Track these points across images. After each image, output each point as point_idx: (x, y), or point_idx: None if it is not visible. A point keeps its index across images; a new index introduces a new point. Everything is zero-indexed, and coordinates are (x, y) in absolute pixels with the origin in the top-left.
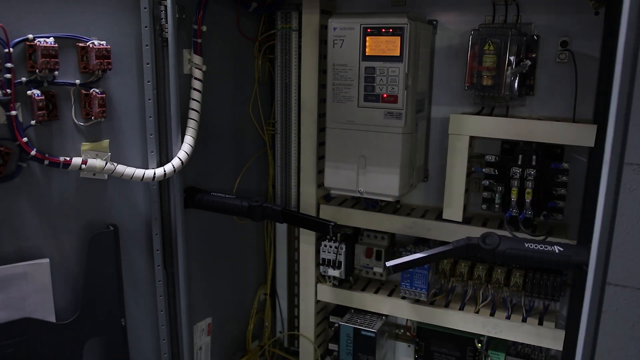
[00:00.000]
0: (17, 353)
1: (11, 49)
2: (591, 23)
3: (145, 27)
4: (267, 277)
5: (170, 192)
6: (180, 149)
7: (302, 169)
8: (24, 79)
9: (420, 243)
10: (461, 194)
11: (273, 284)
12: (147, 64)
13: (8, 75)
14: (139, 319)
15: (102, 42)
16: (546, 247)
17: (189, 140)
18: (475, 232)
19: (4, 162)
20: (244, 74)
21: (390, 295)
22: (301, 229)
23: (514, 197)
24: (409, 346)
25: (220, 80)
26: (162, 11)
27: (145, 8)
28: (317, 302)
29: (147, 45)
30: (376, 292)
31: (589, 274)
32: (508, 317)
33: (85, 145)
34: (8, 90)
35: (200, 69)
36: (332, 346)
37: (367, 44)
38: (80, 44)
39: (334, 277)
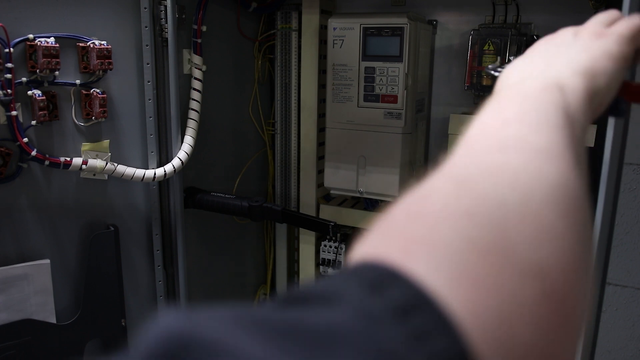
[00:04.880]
0: (18, 355)
1: (11, 49)
2: None
3: (145, 27)
4: (267, 277)
5: (170, 192)
6: (180, 149)
7: (302, 169)
8: (24, 79)
9: None
10: None
11: (273, 284)
12: (147, 64)
13: (8, 76)
14: (140, 319)
15: (102, 42)
16: None
17: (189, 140)
18: None
19: (5, 163)
20: (244, 74)
21: None
22: (301, 229)
23: None
24: None
25: (220, 80)
26: (162, 11)
27: (145, 8)
28: None
29: (147, 45)
30: None
31: None
32: None
33: (86, 146)
34: (9, 91)
35: (200, 69)
36: None
37: (367, 44)
38: (80, 44)
39: None
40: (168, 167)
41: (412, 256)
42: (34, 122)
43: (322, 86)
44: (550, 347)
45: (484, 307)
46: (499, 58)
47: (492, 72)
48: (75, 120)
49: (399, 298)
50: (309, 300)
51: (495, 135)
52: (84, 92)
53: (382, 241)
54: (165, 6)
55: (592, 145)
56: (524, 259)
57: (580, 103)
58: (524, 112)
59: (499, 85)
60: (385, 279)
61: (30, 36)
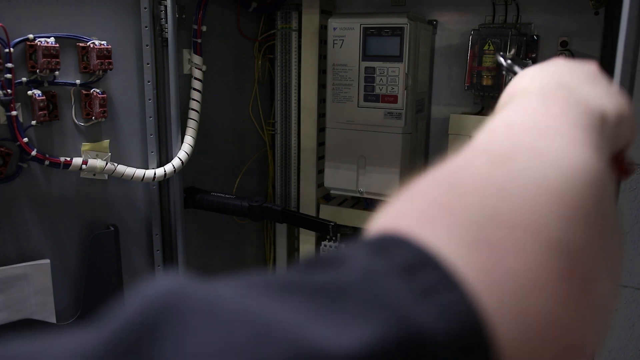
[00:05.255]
0: None
1: (11, 49)
2: (591, 23)
3: (146, 27)
4: None
5: (170, 192)
6: (180, 149)
7: (302, 169)
8: (24, 79)
9: None
10: None
11: None
12: (147, 64)
13: (9, 76)
14: None
15: (102, 42)
16: None
17: (189, 140)
18: None
19: (5, 163)
20: (244, 74)
21: None
22: (301, 229)
23: None
24: None
25: (220, 80)
26: (162, 11)
27: (145, 8)
28: None
29: (147, 45)
30: None
31: None
32: None
33: (86, 146)
34: (9, 91)
35: (200, 69)
36: None
37: (367, 44)
38: (80, 44)
39: None
40: (168, 167)
41: (429, 221)
42: (34, 122)
43: (322, 86)
44: (568, 324)
45: (500, 274)
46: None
47: (502, 58)
48: (75, 120)
49: (405, 258)
50: (318, 265)
51: (537, 123)
52: (84, 92)
53: (404, 206)
54: (165, 6)
55: None
56: (554, 237)
57: (610, 133)
58: (569, 113)
59: (531, 88)
60: (392, 243)
61: (30, 36)
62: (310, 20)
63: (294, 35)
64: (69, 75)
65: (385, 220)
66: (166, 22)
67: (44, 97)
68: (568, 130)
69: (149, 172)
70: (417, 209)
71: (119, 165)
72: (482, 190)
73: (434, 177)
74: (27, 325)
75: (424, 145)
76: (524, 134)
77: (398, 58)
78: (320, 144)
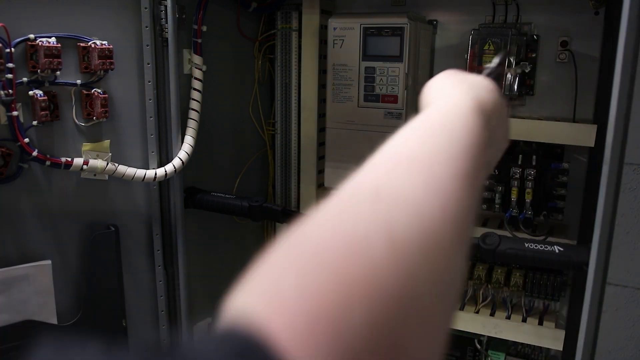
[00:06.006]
0: (19, 356)
1: (12, 49)
2: (591, 23)
3: (146, 27)
4: None
5: (170, 192)
6: (180, 149)
7: (302, 169)
8: (25, 79)
9: None
10: None
11: None
12: (148, 64)
13: (9, 76)
14: (140, 319)
15: (103, 42)
16: (546, 247)
17: (189, 140)
18: (475, 232)
19: (5, 163)
20: (244, 74)
21: None
22: None
23: (514, 197)
24: None
25: (220, 80)
26: (162, 11)
27: (145, 8)
28: None
29: (147, 45)
30: None
31: (589, 273)
32: (508, 317)
33: (87, 146)
34: (10, 91)
35: (200, 69)
36: None
37: (367, 44)
38: (81, 44)
39: None
40: (168, 167)
41: (307, 336)
42: (35, 123)
43: (322, 86)
44: None
45: None
46: (496, 59)
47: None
48: (76, 121)
49: None
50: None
51: (443, 173)
52: (85, 92)
53: (288, 294)
54: (166, 6)
55: (592, 145)
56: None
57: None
58: (480, 134)
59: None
60: (252, 353)
61: (31, 36)
62: (310, 20)
63: (294, 35)
64: (70, 75)
65: (261, 305)
66: (166, 22)
67: (45, 97)
68: (468, 174)
69: (150, 172)
70: (299, 311)
71: (120, 166)
72: (371, 316)
73: (328, 248)
74: (28, 326)
75: None
76: (429, 200)
77: (398, 58)
78: (321, 144)
